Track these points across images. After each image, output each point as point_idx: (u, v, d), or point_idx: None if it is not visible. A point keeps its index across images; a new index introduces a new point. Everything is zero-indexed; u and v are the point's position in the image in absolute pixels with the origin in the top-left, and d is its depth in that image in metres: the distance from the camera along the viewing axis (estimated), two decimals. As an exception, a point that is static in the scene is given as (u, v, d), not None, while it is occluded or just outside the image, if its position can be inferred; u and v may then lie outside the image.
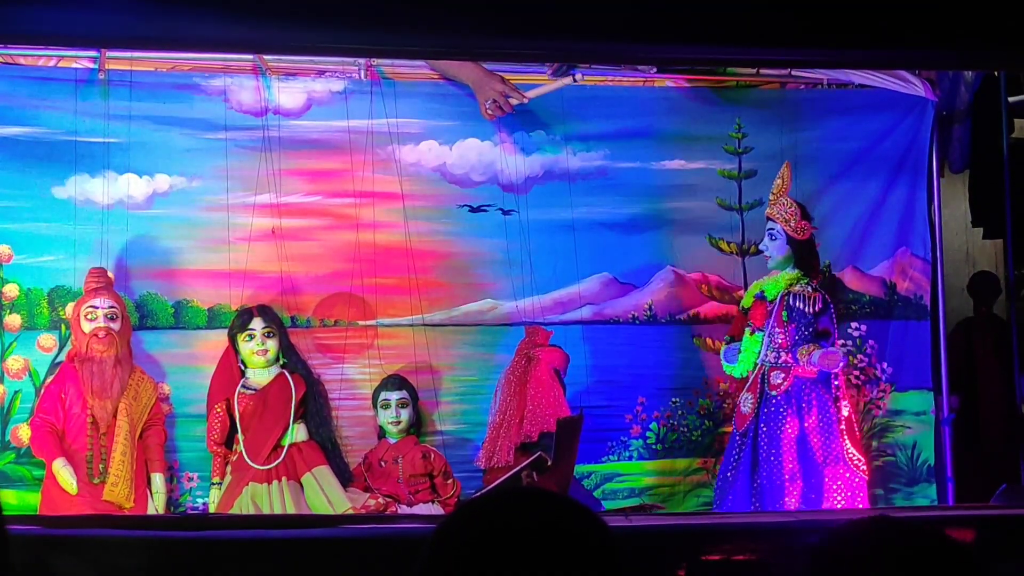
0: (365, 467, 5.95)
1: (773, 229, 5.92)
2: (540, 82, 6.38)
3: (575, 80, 6.35)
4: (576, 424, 5.65)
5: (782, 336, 5.81)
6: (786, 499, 5.66)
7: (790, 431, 5.72)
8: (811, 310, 5.80)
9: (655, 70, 6.50)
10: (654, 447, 6.46)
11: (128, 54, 6.00)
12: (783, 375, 5.79)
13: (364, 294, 6.26)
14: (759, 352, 5.87)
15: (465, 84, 6.30)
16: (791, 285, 5.86)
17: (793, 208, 5.91)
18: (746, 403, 5.85)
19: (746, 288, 6.26)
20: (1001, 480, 5.76)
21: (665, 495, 6.38)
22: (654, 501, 6.29)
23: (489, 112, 6.23)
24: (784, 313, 5.81)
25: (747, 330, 5.93)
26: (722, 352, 6.06)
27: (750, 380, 5.88)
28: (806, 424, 5.74)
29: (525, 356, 6.06)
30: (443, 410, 6.27)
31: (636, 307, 6.52)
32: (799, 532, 4.25)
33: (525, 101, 6.23)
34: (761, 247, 6.04)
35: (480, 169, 6.43)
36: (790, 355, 5.80)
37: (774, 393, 5.78)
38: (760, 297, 5.95)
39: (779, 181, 5.96)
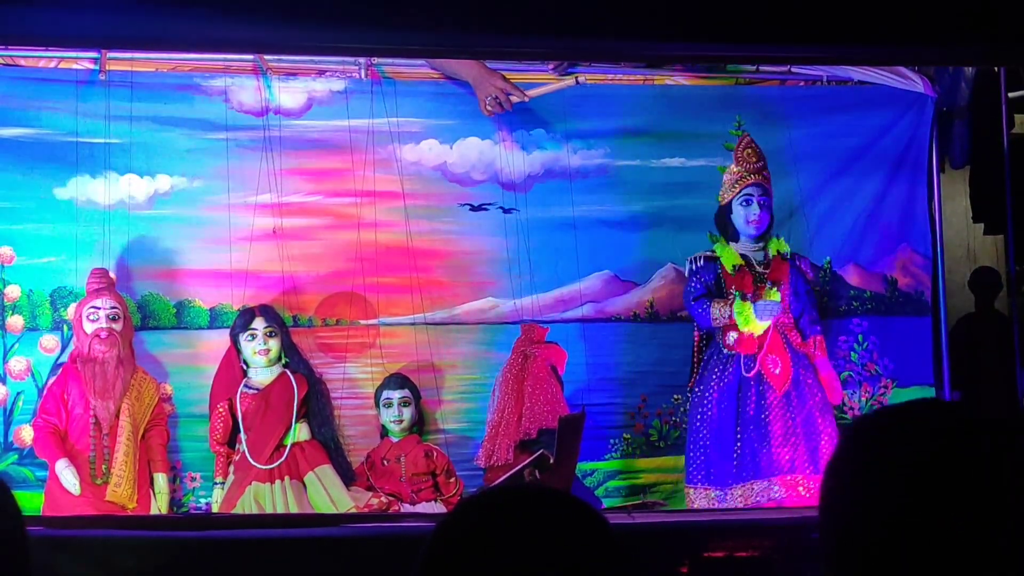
0: (368, 466, 5.95)
1: (766, 196, 5.82)
2: (542, 81, 6.37)
3: (577, 81, 6.34)
4: (578, 422, 5.64)
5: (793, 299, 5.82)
6: (797, 450, 5.64)
7: (819, 397, 5.75)
8: (811, 275, 5.85)
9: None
10: (656, 444, 6.46)
11: (129, 55, 6.01)
12: (799, 336, 5.82)
13: (366, 293, 6.26)
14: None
15: (466, 81, 6.30)
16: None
17: (770, 179, 5.90)
18: (777, 364, 5.69)
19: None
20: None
21: (668, 492, 6.37)
22: (656, 498, 6.29)
23: (489, 108, 6.22)
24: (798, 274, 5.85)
25: (742, 296, 5.74)
26: (750, 307, 5.70)
27: (768, 338, 5.70)
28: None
29: (522, 354, 6.06)
30: (445, 409, 6.27)
31: (638, 304, 6.52)
32: (802, 529, 4.25)
33: (525, 99, 6.23)
34: (751, 215, 5.82)
35: (481, 168, 6.44)
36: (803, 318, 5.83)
37: (805, 354, 5.79)
38: (781, 256, 5.84)
39: (750, 150, 5.87)
